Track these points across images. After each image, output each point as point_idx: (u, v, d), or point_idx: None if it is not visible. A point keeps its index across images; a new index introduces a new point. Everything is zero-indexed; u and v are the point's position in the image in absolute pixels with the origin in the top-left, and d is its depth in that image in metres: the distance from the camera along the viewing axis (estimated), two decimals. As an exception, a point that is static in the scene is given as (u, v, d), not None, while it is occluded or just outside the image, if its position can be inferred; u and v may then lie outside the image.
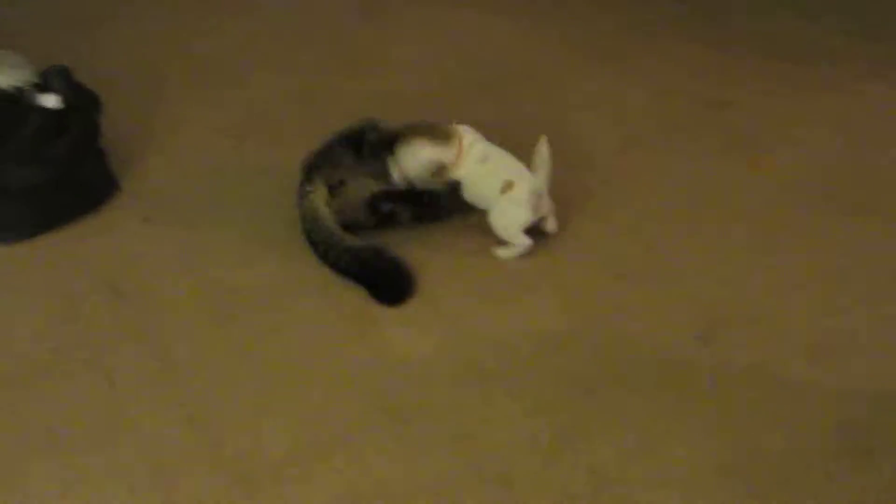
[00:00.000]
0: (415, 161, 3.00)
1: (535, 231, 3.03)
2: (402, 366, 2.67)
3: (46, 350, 2.70)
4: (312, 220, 2.97)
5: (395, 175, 3.03)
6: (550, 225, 3.06)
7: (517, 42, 4.08)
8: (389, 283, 2.90)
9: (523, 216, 2.96)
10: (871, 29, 4.05)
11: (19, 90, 3.05)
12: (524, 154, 3.00)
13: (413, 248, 3.02)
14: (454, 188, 3.05)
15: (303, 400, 2.57)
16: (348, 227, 2.98)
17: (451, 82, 3.84)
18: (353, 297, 2.87)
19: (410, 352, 2.72)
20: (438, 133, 3.02)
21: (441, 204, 3.10)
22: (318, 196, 3.00)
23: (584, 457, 2.42)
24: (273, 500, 2.33)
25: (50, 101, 3.05)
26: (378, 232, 3.04)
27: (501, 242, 3.01)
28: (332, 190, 3.01)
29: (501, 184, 2.97)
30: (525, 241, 2.98)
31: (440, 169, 3.01)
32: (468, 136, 3.02)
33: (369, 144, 3.05)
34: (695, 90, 3.78)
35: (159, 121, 3.58)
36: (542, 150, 2.94)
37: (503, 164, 3.01)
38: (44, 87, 3.07)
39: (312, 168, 3.04)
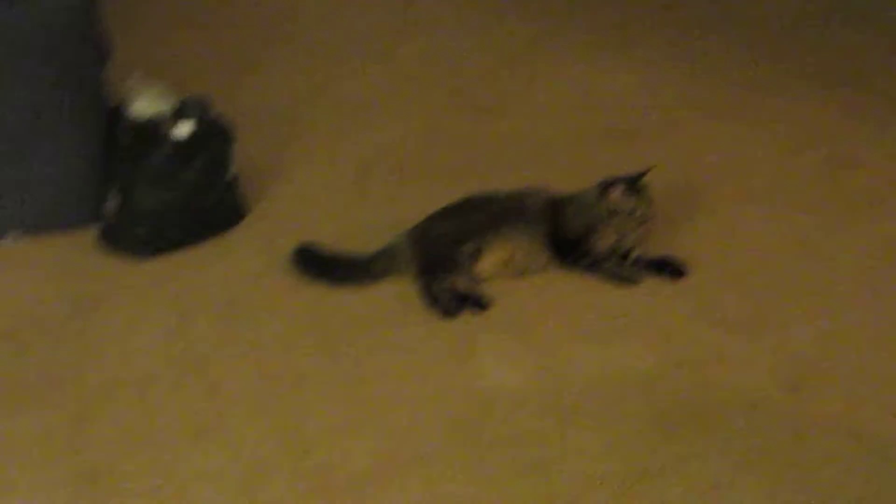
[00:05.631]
0: None
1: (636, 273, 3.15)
2: (490, 395, 2.76)
3: (159, 360, 2.87)
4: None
5: None
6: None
7: (646, 94, 4.15)
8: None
9: None
10: None
11: (156, 118, 3.24)
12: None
13: (517, 285, 3.13)
14: None
15: (390, 419, 2.68)
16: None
17: (577, 130, 3.93)
18: (455, 328, 2.97)
19: (500, 382, 2.81)
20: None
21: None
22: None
23: (653, 493, 2.48)
24: (348, 511, 2.45)
25: (183, 129, 3.23)
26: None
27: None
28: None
29: None
30: None
31: None
32: None
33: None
34: (822, 150, 3.78)
35: (291, 155, 3.74)
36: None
37: None
38: (180, 116, 3.26)
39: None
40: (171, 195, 3.24)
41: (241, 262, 3.24)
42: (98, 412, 2.69)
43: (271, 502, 2.46)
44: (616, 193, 3.15)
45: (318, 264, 3.18)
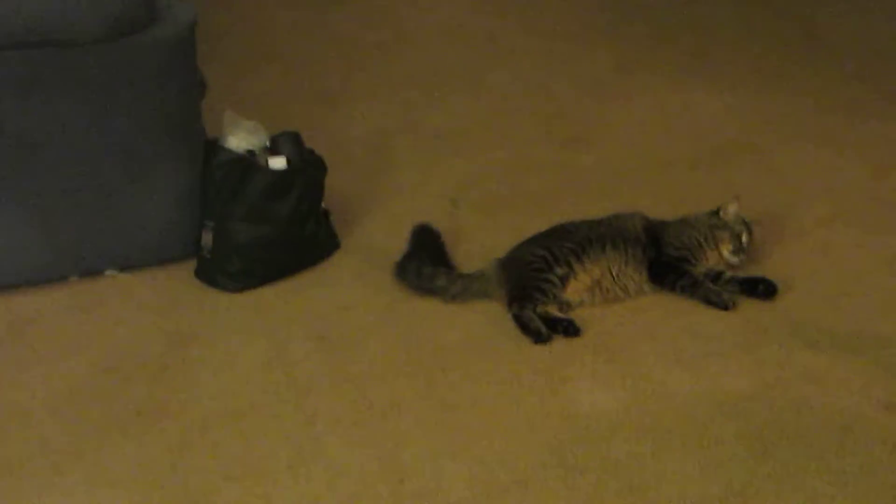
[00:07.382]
0: None
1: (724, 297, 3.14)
2: (584, 420, 2.77)
3: (256, 391, 2.91)
4: None
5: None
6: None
7: (733, 120, 4.17)
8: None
9: None
10: None
11: (251, 153, 3.30)
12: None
13: (609, 309, 3.15)
14: None
15: (486, 446, 2.70)
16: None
17: (665, 157, 3.95)
18: (548, 354, 2.99)
19: (594, 407, 2.82)
20: None
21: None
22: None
23: (750, 514, 2.48)
24: (446, 536, 2.47)
25: (277, 163, 3.29)
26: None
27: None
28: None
29: None
30: None
31: None
32: None
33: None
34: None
35: (382, 186, 3.80)
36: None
37: None
38: (273, 151, 3.32)
39: None
40: (265, 229, 3.30)
41: (335, 293, 3.29)
42: (197, 442, 2.74)
43: (370, 529, 2.50)
44: (734, 207, 3.24)
45: (429, 250, 3.31)
